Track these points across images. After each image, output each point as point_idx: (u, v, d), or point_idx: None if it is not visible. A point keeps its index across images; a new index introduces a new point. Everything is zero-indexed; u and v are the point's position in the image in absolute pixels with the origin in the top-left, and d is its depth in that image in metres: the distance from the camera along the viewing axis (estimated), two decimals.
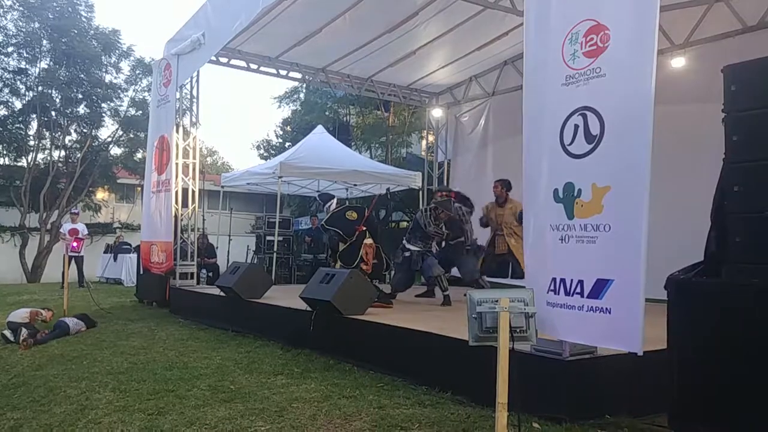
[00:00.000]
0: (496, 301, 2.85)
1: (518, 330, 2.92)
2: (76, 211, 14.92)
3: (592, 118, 3.75)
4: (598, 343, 3.88)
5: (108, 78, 20.86)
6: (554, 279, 3.92)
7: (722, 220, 3.25)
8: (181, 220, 9.95)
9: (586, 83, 3.81)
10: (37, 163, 20.33)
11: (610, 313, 3.61)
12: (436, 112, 12.35)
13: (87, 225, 14.45)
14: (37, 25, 19.58)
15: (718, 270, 3.25)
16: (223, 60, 10.15)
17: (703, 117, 7.17)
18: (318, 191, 14.58)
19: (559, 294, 3.88)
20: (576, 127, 3.83)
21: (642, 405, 4.02)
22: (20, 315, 8.14)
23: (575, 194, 3.81)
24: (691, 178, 7.28)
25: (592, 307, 3.69)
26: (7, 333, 7.66)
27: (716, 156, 3.55)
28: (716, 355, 3.19)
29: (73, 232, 13.06)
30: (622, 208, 3.58)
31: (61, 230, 14.97)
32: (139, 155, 21.50)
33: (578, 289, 3.76)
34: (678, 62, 8.23)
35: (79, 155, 20.60)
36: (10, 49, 19.68)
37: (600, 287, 3.65)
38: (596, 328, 3.69)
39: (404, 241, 8.09)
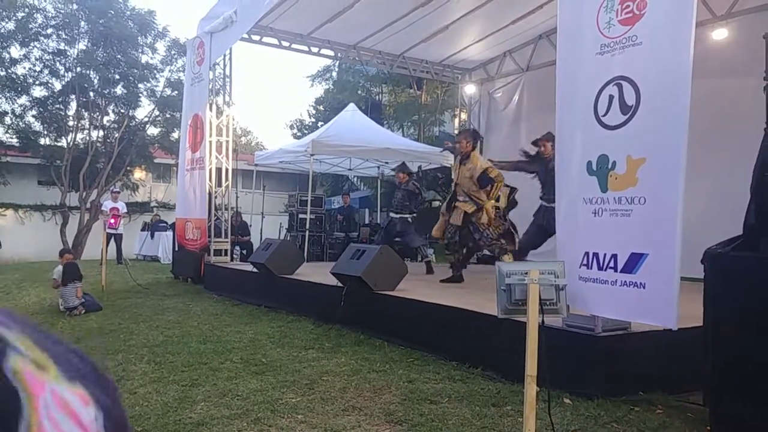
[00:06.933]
0: (526, 272, 2.81)
1: (548, 302, 2.88)
2: (116, 189, 15.30)
3: (628, 88, 3.65)
4: (631, 318, 3.82)
5: (144, 59, 21.09)
6: (587, 253, 3.85)
7: (762, 192, 3.14)
8: (215, 198, 10.08)
9: (622, 52, 3.71)
10: (76, 143, 20.71)
11: (644, 287, 3.54)
12: (469, 89, 12.17)
13: (125, 204, 14.81)
14: (75, 6, 19.87)
15: (756, 244, 3.16)
16: (255, 38, 10.16)
17: (745, 90, 6.96)
18: (350, 169, 14.64)
19: (591, 268, 3.82)
20: (611, 97, 3.74)
21: (676, 382, 3.96)
22: None
23: (609, 166, 3.73)
24: (731, 152, 7.06)
25: (626, 281, 3.62)
26: None
27: (758, 130, 3.43)
28: (753, 332, 3.11)
29: (113, 210, 13.48)
30: (658, 180, 3.49)
31: (101, 208, 15.41)
32: (175, 135, 21.75)
33: (612, 264, 3.70)
34: (720, 34, 7.91)
35: (117, 135, 20.96)
36: (49, 31, 20.00)
37: (634, 261, 3.58)
38: (630, 303, 3.63)
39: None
